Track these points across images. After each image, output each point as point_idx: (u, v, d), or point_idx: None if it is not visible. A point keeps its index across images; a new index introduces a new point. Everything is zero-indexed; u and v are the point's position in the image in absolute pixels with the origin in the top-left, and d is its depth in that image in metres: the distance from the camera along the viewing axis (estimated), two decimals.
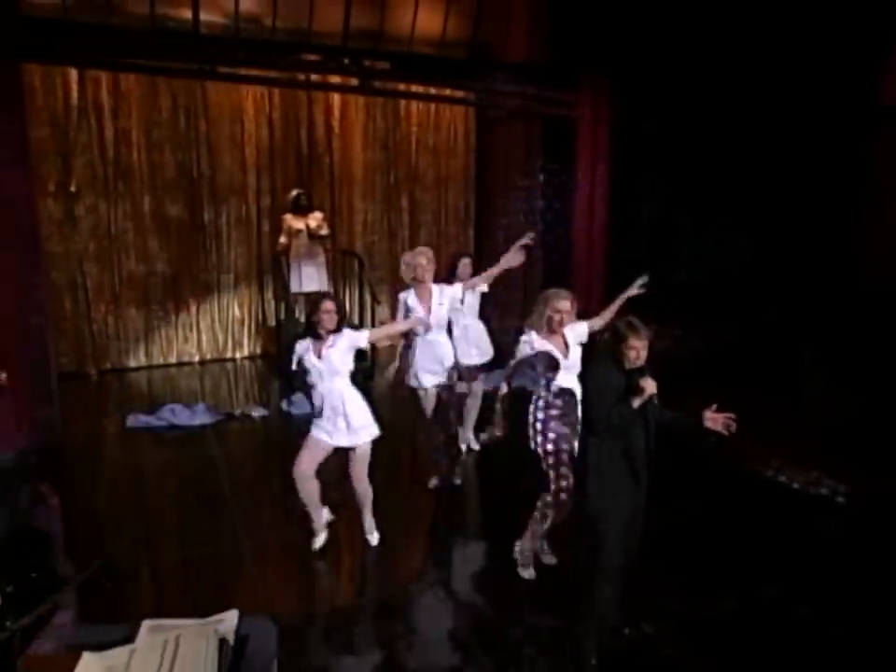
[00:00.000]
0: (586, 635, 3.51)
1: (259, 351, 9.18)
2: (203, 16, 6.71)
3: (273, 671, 2.17)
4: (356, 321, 8.89)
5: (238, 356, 9.07)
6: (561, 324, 3.89)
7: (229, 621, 2.14)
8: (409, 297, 5.06)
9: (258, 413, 7.03)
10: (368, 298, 8.58)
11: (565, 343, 3.94)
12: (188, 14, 6.62)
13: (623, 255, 7.96)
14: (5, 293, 5.68)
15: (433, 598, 4.04)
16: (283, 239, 8.14)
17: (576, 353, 3.97)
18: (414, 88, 8.08)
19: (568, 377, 3.88)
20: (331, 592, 4.24)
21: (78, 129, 7.75)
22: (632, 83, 7.62)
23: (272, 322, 9.02)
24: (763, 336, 7.70)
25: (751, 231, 8.18)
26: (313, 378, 4.20)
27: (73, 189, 7.82)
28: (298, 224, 8.09)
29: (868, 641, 3.61)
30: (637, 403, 3.23)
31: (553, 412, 3.83)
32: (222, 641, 1.94)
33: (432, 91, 8.21)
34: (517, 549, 4.12)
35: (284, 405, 7.18)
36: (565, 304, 3.89)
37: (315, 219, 8.10)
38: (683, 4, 7.26)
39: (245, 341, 9.10)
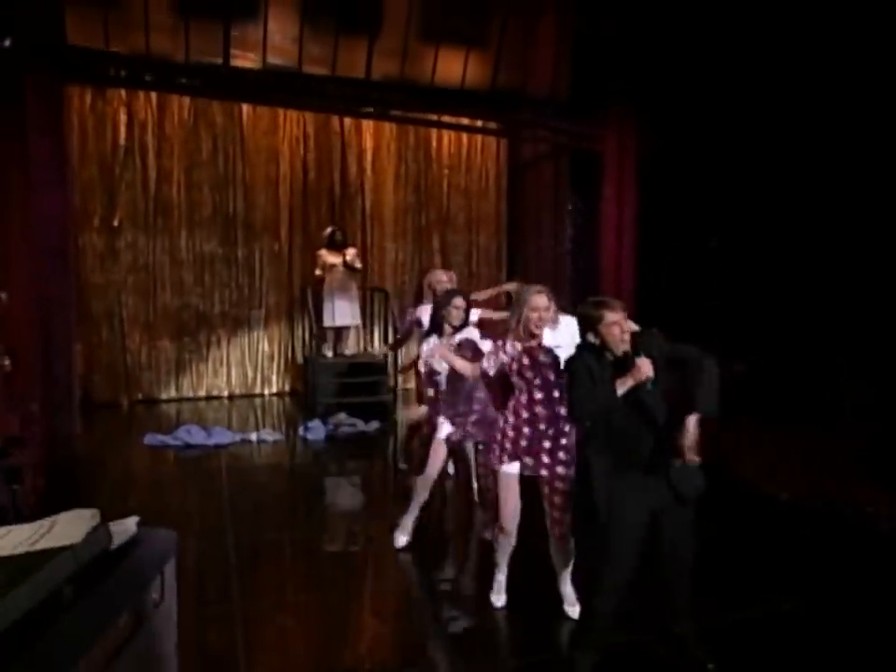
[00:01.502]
0: (579, 651, 3.17)
1: (287, 388, 9.23)
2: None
3: (168, 578, 2.03)
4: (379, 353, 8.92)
5: (266, 392, 9.13)
6: (539, 324, 3.40)
7: (126, 523, 2.04)
8: (425, 313, 4.75)
9: (273, 437, 7.00)
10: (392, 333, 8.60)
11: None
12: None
13: (652, 285, 7.80)
14: (36, 307, 5.92)
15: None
16: (318, 272, 8.32)
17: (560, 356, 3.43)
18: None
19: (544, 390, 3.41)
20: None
21: (124, 167, 8.22)
22: (658, 114, 7.62)
23: (301, 360, 9.10)
24: (804, 360, 7.33)
25: (784, 255, 7.89)
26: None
27: (115, 223, 8.23)
28: (332, 259, 8.26)
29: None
30: (623, 389, 2.86)
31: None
32: (99, 525, 1.83)
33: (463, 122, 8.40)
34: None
35: (301, 430, 7.14)
36: (542, 300, 3.38)
37: (349, 254, 8.26)
38: (708, 33, 7.30)
39: (274, 377, 9.17)
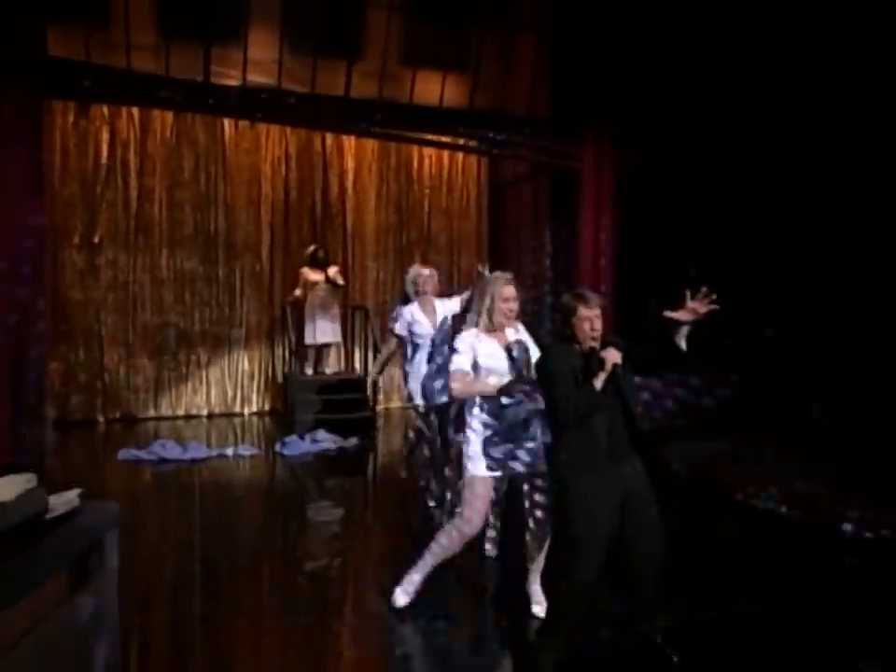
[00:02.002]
0: (544, 649, 3.11)
1: (267, 407, 9.16)
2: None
3: (109, 548, 2.00)
4: (360, 371, 8.89)
5: (246, 411, 9.06)
6: (509, 315, 3.32)
7: (69, 495, 2.02)
8: (413, 311, 4.77)
9: (249, 452, 6.93)
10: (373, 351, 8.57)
11: (508, 346, 3.35)
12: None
13: (631, 303, 7.85)
14: (7, 317, 5.88)
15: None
16: (298, 292, 8.33)
17: (523, 359, 3.35)
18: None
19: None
20: None
21: (106, 185, 8.26)
22: (634, 134, 7.75)
23: (281, 379, 9.05)
24: (784, 378, 7.39)
25: (762, 273, 7.97)
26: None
27: (96, 240, 8.23)
28: (314, 277, 8.28)
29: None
30: (600, 383, 2.86)
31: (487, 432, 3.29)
32: (34, 489, 1.81)
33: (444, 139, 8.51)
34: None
35: (277, 446, 7.08)
36: (511, 291, 3.33)
37: (332, 271, 8.27)
38: (684, 55, 7.44)
39: (254, 396, 9.12)
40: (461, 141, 8.44)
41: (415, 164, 9.47)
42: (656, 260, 8.38)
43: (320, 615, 3.62)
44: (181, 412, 8.77)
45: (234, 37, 7.65)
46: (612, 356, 2.88)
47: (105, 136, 8.19)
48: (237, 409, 9.02)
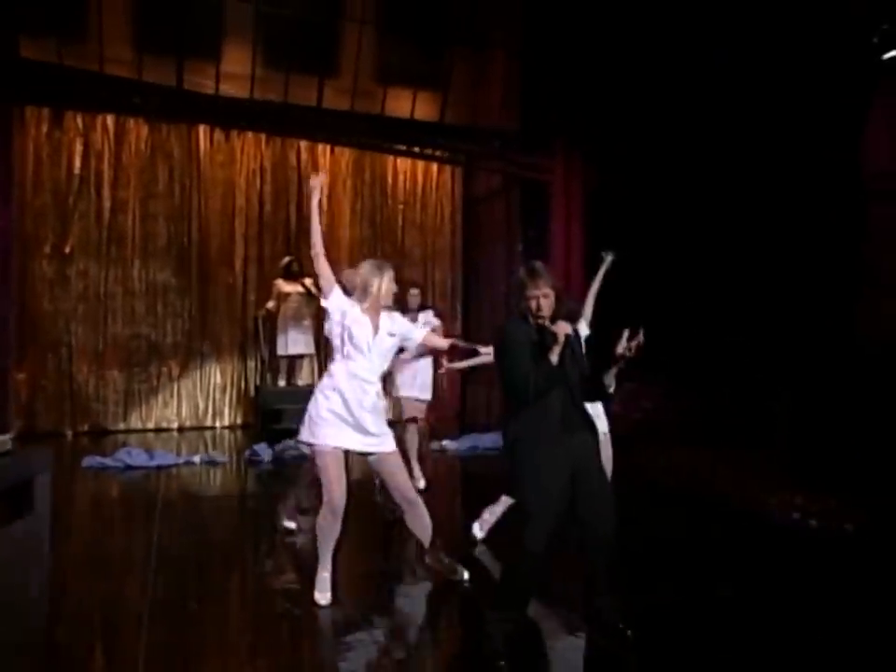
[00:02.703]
0: (496, 613, 3.09)
1: (239, 421, 9.09)
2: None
3: (39, 490, 1.99)
4: None
5: (218, 424, 8.98)
6: (379, 300, 3.43)
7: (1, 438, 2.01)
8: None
9: (217, 459, 6.86)
10: None
11: (376, 326, 3.45)
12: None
13: (600, 315, 7.93)
14: None
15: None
16: (270, 304, 8.30)
17: (385, 343, 3.46)
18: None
19: (365, 366, 3.40)
20: None
21: (79, 196, 8.25)
22: (602, 146, 7.91)
23: (253, 392, 9.00)
24: (747, 389, 7.46)
25: (727, 289, 8.12)
26: None
27: (67, 250, 8.20)
28: (288, 288, 8.29)
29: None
30: (555, 357, 2.90)
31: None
32: None
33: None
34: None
35: (246, 453, 7.02)
36: (390, 284, 3.48)
37: (307, 282, 8.25)
38: (658, 71, 7.63)
39: (226, 410, 9.04)
40: (433, 151, 8.56)
41: (390, 180, 9.57)
42: (626, 271, 8.50)
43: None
44: (151, 424, 8.67)
45: (208, 52, 7.78)
46: (563, 328, 2.94)
47: (79, 147, 8.21)
48: (208, 422, 8.93)
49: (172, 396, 8.77)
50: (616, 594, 3.07)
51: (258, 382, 8.82)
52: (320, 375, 9.24)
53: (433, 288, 9.91)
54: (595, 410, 4.13)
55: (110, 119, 8.28)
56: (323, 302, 3.58)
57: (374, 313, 3.46)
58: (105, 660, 3.05)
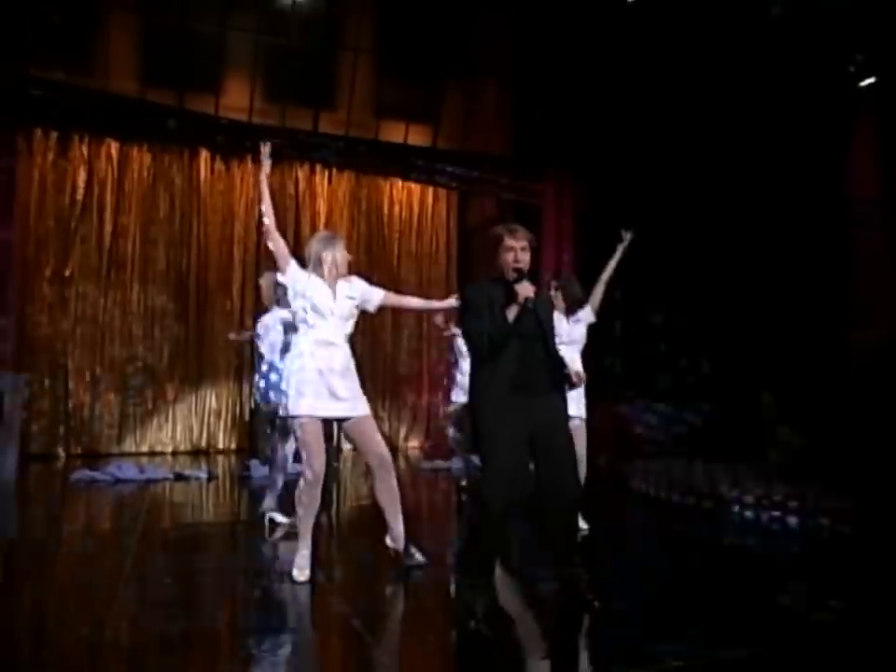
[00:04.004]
0: (466, 578, 3.09)
1: (234, 446, 9.07)
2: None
3: (8, 406, 2.06)
4: None
5: (212, 449, 8.97)
6: (332, 271, 3.49)
7: None
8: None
9: (208, 474, 6.84)
10: None
11: (335, 292, 3.49)
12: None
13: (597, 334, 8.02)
14: None
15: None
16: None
17: (345, 306, 3.49)
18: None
19: (330, 329, 3.43)
20: None
21: (81, 221, 8.45)
22: (595, 171, 8.11)
23: (248, 416, 9.01)
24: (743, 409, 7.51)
25: (717, 307, 8.21)
26: None
27: (67, 274, 8.35)
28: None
29: None
30: (511, 314, 2.98)
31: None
32: None
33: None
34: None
35: (238, 471, 7.02)
36: (343, 254, 3.57)
37: None
38: (647, 97, 7.88)
39: (221, 434, 9.05)
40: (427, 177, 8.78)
41: (385, 209, 9.78)
42: (621, 291, 8.62)
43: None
44: (145, 448, 8.67)
45: (209, 84, 8.10)
46: (525, 289, 2.97)
47: (83, 175, 8.44)
48: (203, 446, 8.92)
49: (167, 419, 8.79)
50: (581, 563, 3.04)
51: (252, 406, 8.83)
52: None
53: (428, 316, 10.00)
54: (576, 393, 4.17)
55: (114, 148, 8.54)
56: (280, 278, 3.62)
57: (332, 280, 3.52)
58: None
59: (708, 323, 8.37)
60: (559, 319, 4.13)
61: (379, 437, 3.56)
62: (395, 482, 3.53)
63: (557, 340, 3.38)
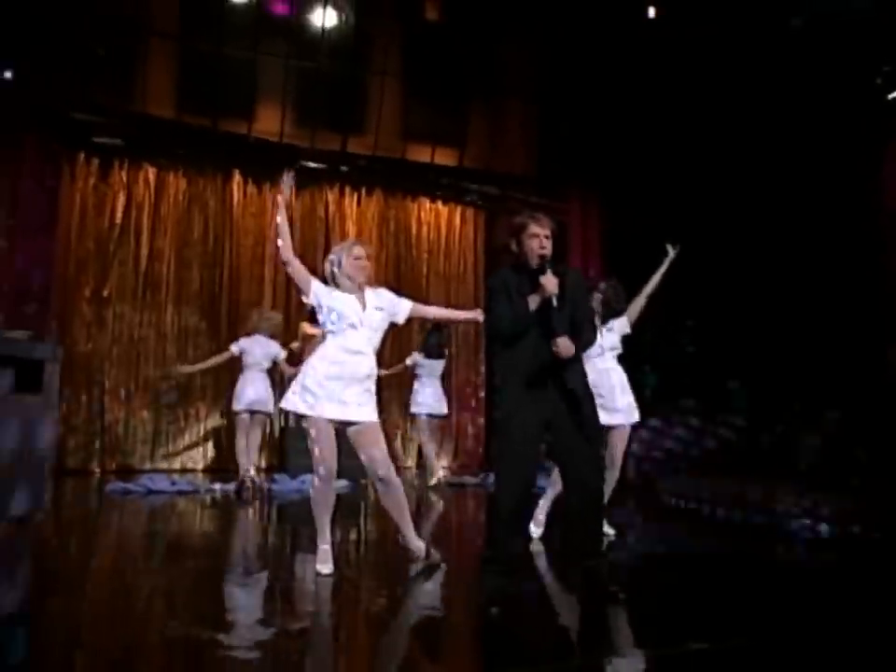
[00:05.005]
0: (488, 574, 3.07)
1: (264, 464, 9.15)
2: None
3: (49, 376, 2.16)
4: None
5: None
6: (348, 276, 3.54)
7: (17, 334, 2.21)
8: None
9: (238, 487, 6.92)
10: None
11: (364, 303, 3.54)
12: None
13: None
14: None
15: None
16: (295, 344, 8.51)
17: (375, 318, 3.53)
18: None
19: (360, 339, 3.47)
20: None
21: (119, 244, 8.72)
22: (620, 187, 8.16)
23: (278, 433, 9.11)
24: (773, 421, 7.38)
25: (749, 321, 8.12)
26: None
27: (105, 294, 8.61)
28: (313, 331, 8.50)
29: None
30: (534, 304, 3.02)
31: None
32: None
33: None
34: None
35: (266, 483, 7.10)
36: (362, 251, 3.65)
37: None
38: (670, 114, 7.93)
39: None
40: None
41: (414, 230, 9.92)
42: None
43: None
44: (177, 465, 8.79)
45: (242, 111, 8.40)
46: (550, 283, 3.01)
47: (122, 199, 8.74)
48: (233, 464, 8.99)
49: (198, 437, 8.92)
50: (605, 555, 3.03)
51: (282, 423, 8.93)
52: None
53: (457, 336, 10.07)
54: (627, 401, 4.15)
55: (151, 173, 8.84)
56: (305, 300, 3.71)
57: (358, 291, 3.56)
58: None
59: (739, 338, 8.28)
60: None
61: (383, 446, 3.55)
62: (400, 491, 3.51)
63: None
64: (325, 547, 3.50)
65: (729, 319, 8.49)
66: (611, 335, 4.66)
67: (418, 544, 3.56)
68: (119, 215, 8.75)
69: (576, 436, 2.97)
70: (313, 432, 3.47)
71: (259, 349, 7.07)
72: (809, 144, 8.04)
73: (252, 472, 6.83)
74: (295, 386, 3.50)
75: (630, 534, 4.39)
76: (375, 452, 3.50)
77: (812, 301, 8.17)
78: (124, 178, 8.77)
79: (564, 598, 3.02)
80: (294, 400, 3.49)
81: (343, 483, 7.33)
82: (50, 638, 2.50)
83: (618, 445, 4.38)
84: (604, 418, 3.66)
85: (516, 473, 2.86)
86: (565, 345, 2.97)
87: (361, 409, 3.48)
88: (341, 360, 3.43)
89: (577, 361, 3.14)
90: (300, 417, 3.55)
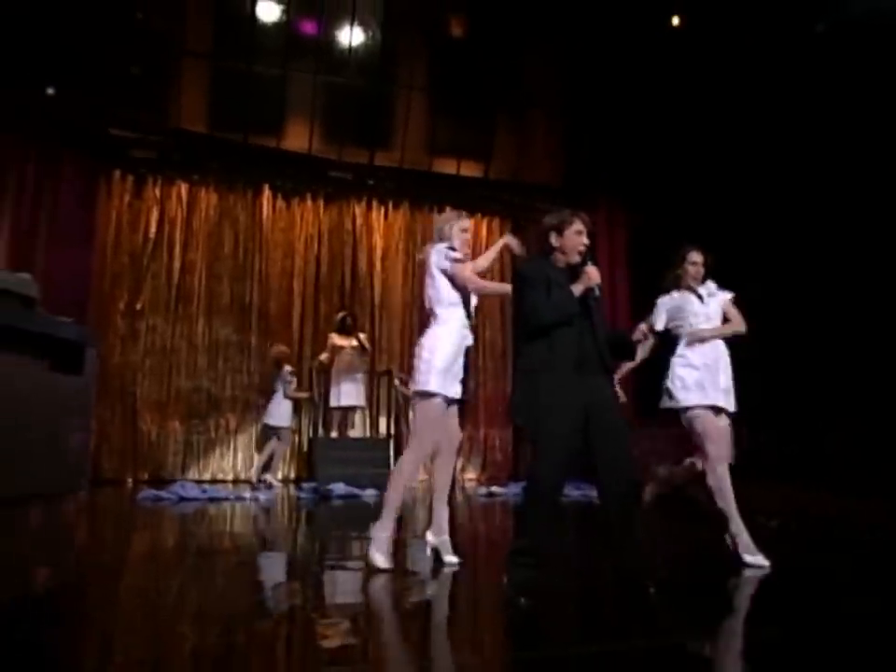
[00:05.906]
0: (513, 564, 3.06)
1: (293, 475, 9.23)
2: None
3: (88, 359, 2.23)
4: (384, 432, 9.01)
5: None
6: (465, 246, 3.75)
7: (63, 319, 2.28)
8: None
9: (266, 495, 6.99)
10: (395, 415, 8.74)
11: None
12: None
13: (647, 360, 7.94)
14: None
15: None
16: (324, 356, 8.63)
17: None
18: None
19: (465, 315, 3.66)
20: None
21: (152, 258, 8.94)
22: (646, 195, 8.16)
23: (307, 446, 9.18)
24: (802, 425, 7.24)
25: (782, 332, 8.01)
26: None
27: (138, 306, 8.80)
28: (341, 342, 8.62)
29: None
30: (578, 291, 3.03)
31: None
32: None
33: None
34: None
35: (294, 490, 7.14)
36: (466, 222, 3.82)
37: (361, 336, 8.60)
38: (695, 123, 7.91)
39: (280, 463, 9.20)
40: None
41: None
42: None
43: None
44: (208, 475, 8.89)
45: (271, 127, 8.60)
46: (594, 274, 3.05)
47: (156, 214, 8.97)
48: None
49: (228, 448, 9.03)
50: (640, 550, 3.00)
51: (311, 435, 9.01)
52: (372, 427, 9.51)
53: (483, 347, 10.08)
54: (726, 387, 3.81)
55: (184, 189, 9.06)
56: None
57: (467, 249, 3.76)
58: None
59: (774, 347, 8.16)
60: (688, 299, 3.96)
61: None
62: (454, 465, 3.56)
63: (694, 319, 3.60)
64: (384, 535, 3.26)
65: (758, 324, 8.38)
66: (714, 300, 4.14)
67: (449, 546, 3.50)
68: (152, 230, 8.98)
69: (611, 423, 2.97)
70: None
71: None
72: (835, 150, 7.96)
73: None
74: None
75: (661, 538, 4.30)
76: (453, 424, 3.53)
77: (842, 306, 8.02)
78: (157, 194, 9.00)
79: (592, 591, 2.99)
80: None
81: (372, 491, 7.38)
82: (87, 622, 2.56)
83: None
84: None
85: (555, 467, 2.85)
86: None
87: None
88: (459, 335, 3.57)
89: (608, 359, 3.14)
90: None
